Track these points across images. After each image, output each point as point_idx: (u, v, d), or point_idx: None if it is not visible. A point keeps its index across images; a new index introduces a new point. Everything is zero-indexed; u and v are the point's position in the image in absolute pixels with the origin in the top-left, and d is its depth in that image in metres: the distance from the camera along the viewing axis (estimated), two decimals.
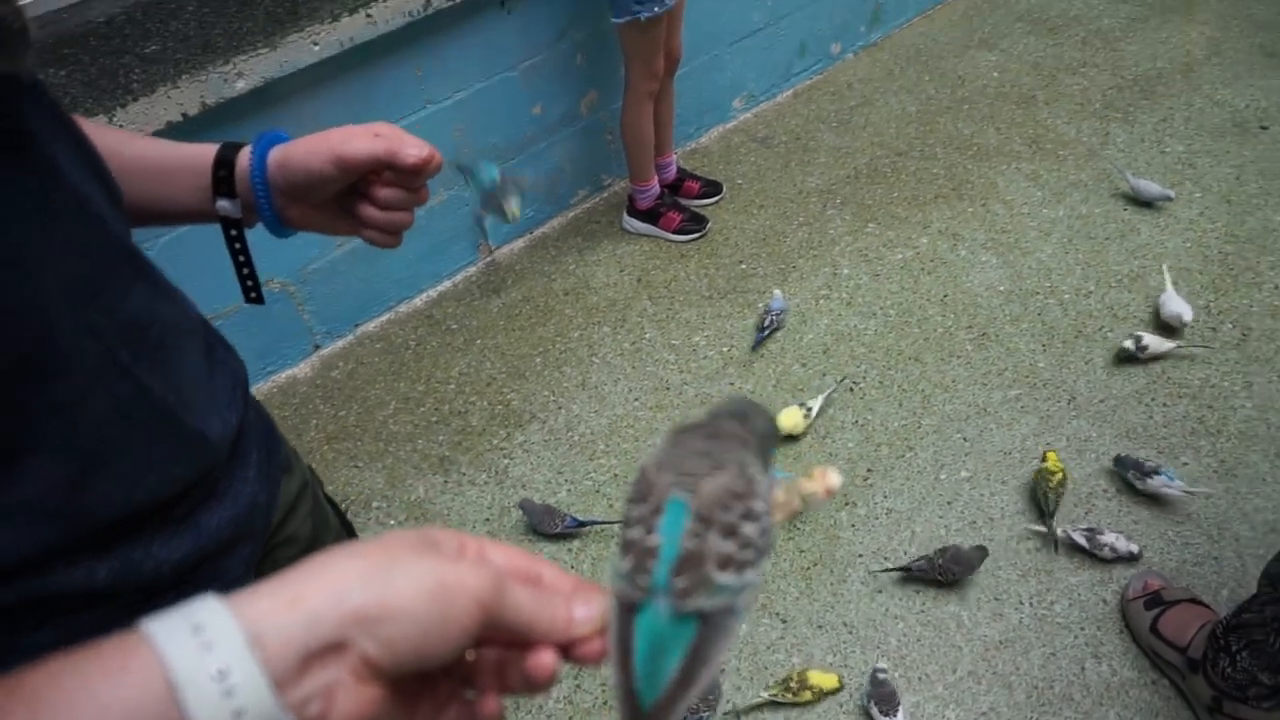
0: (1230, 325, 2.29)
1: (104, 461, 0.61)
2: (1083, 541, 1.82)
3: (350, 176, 0.73)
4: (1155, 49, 3.32)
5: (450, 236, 2.63)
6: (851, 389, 2.22)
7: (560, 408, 2.27)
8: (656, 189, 2.73)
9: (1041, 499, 1.89)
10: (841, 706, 1.61)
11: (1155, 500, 1.92)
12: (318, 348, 2.51)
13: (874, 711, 1.55)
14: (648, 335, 2.45)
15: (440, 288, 2.69)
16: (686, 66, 2.75)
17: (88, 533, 0.62)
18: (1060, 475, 1.92)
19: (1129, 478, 1.93)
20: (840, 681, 1.62)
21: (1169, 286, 2.32)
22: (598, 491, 2.06)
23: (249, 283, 0.84)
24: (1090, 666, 1.68)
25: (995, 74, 3.30)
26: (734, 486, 0.40)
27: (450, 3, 2.18)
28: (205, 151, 0.77)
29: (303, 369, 2.48)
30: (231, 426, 0.74)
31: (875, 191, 2.84)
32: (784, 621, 1.77)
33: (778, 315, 2.39)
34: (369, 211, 0.76)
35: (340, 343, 2.54)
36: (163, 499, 0.66)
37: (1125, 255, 2.53)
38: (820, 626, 1.74)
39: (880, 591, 1.80)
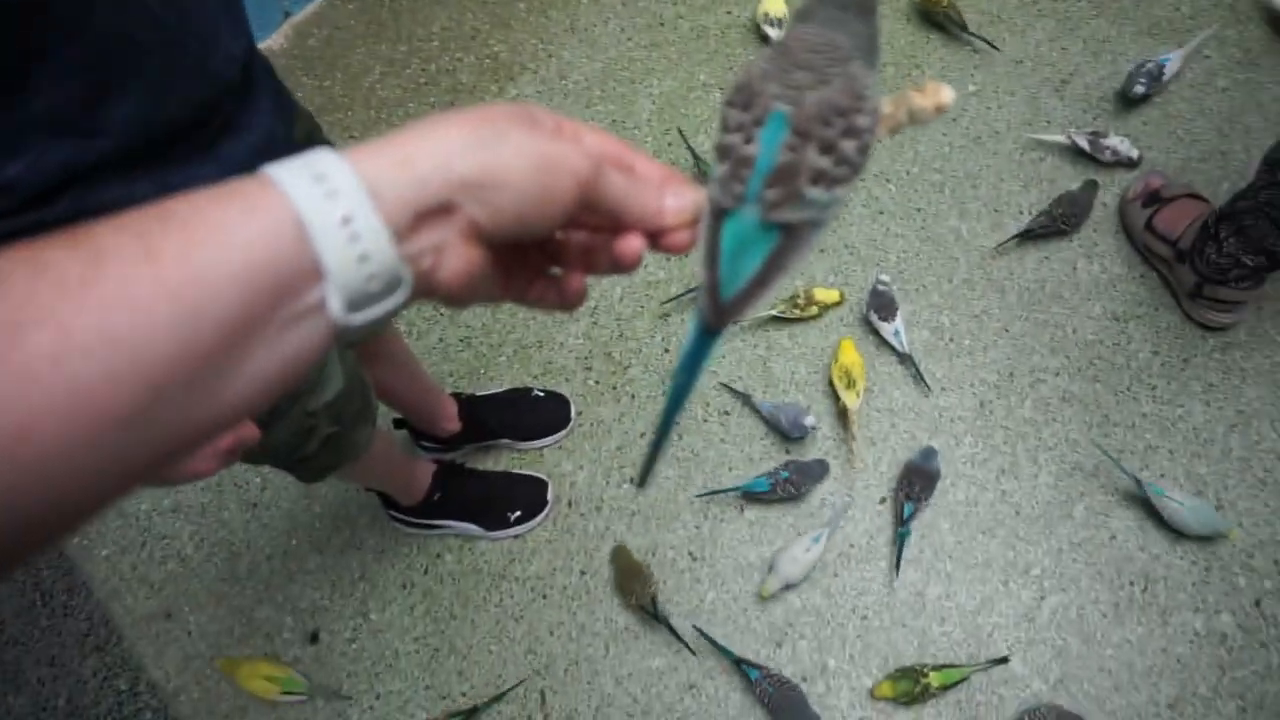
0: None
1: (115, 81, 0.62)
2: (1085, 145, 1.79)
3: None
4: None
5: None
6: None
7: (550, 55, 2.17)
8: None
9: (946, 22, 1.99)
10: (842, 319, 1.71)
11: (1167, 99, 1.86)
12: (288, 15, 2.35)
13: (874, 319, 1.64)
14: None
15: None
16: None
17: (112, 155, 0.64)
18: None
19: (1147, 69, 1.83)
20: (841, 296, 1.70)
21: None
22: None
23: None
24: (1082, 266, 1.74)
25: None
26: (839, 101, 0.39)
27: None
28: None
29: (276, 40, 2.34)
30: (240, 54, 0.74)
31: None
32: None
33: None
34: None
35: (311, 8, 2.37)
36: (181, 124, 0.68)
37: None
38: (822, 251, 1.80)
39: (882, 213, 1.83)
